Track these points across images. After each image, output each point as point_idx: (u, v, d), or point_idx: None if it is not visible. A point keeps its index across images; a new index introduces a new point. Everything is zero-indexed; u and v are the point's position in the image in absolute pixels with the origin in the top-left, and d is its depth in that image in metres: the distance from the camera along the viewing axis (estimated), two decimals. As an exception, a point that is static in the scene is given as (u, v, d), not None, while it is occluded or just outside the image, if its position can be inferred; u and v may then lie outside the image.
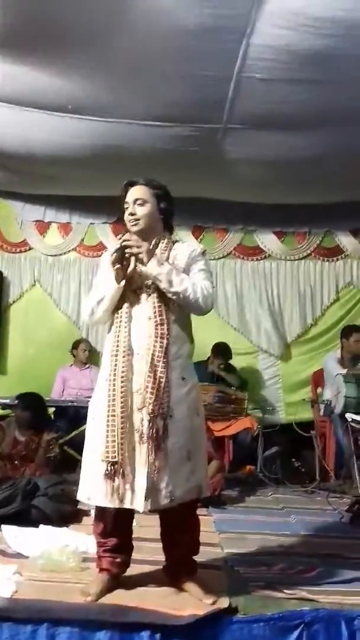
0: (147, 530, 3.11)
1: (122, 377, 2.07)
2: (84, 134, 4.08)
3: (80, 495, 2.18)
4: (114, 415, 2.06)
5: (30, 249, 5.66)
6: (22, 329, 5.56)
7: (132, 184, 2.27)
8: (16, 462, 3.99)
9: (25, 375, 5.24)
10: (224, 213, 5.55)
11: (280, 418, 5.36)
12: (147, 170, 4.72)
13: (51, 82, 3.47)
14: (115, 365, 2.09)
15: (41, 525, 2.86)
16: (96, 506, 2.20)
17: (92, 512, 3.33)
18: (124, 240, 2.14)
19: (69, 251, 5.66)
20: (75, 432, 4.83)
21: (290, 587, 2.19)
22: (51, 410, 4.99)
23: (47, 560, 2.38)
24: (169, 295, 2.14)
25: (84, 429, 5.13)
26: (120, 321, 2.14)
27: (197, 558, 2.30)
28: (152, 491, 2.02)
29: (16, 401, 4.28)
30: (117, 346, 2.11)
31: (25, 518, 2.97)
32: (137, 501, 2.03)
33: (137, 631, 1.90)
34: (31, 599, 2.02)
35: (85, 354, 5.34)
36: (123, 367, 2.08)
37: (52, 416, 4.99)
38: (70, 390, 5.16)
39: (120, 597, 2.05)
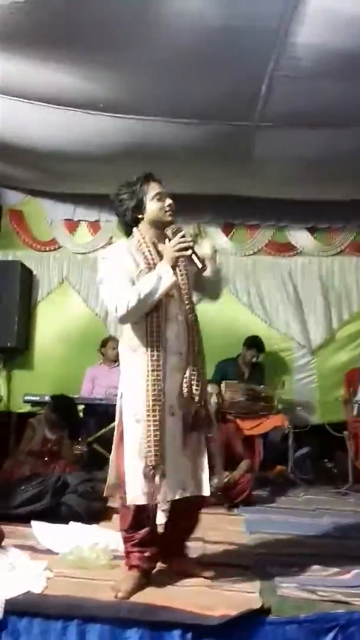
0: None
1: (157, 378, 2.13)
2: (113, 131, 4.08)
3: (141, 498, 2.10)
4: (155, 420, 2.11)
5: (59, 247, 5.69)
6: (50, 327, 5.58)
7: (155, 178, 2.35)
8: (46, 459, 4.02)
9: (52, 372, 5.26)
10: (255, 209, 5.48)
11: (313, 418, 5.25)
12: (177, 168, 4.76)
13: (81, 81, 3.48)
14: (157, 363, 2.14)
15: (71, 522, 2.86)
16: (122, 503, 2.21)
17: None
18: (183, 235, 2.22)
19: (98, 249, 5.67)
20: (103, 430, 4.85)
21: (323, 589, 2.13)
22: (80, 407, 5.01)
23: (77, 557, 2.37)
24: (212, 273, 2.33)
25: (113, 427, 5.15)
26: (159, 318, 2.16)
27: (228, 559, 2.41)
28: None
29: (48, 400, 4.30)
30: (158, 343, 2.14)
31: (55, 515, 2.98)
32: (204, 487, 2.18)
33: (168, 630, 1.88)
34: (62, 595, 2.01)
35: (114, 352, 5.33)
36: (159, 367, 2.14)
37: (82, 414, 5.01)
38: (99, 389, 5.16)
39: (151, 596, 2.02)
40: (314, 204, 5.36)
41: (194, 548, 2.66)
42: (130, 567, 2.19)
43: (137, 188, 2.28)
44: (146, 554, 2.18)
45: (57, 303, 5.65)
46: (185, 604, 1.94)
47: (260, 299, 5.59)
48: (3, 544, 2.43)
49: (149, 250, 2.22)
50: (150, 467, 2.08)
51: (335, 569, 2.39)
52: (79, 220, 5.67)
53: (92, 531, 2.77)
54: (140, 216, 2.29)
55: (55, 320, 5.59)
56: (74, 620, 1.91)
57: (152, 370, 2.13)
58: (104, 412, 4.97)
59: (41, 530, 2.75)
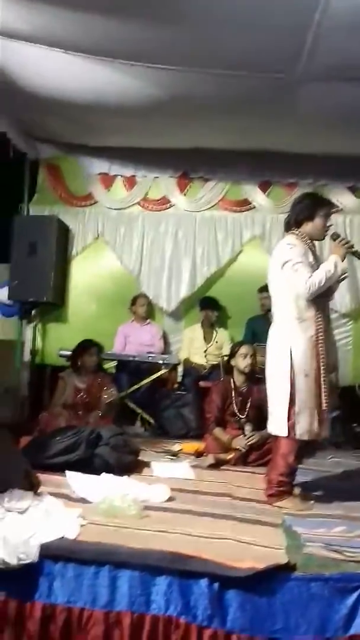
0: (206, 484, 3.17)
1: (322, 343, 2.77)
2: (151, 83, 3.98)
3: (306, 434, 2.76)
4: (324, 375, 2.76)
5: (95, 202, 5.65)
6: (84, 282, 5.61)
7: (331, 203, 3.13)
8: (80, 412, 4.13)
9: (85, 327, 5.25)
10: (294, 167, 5.32)
11: (345, 380, 5.13)
12: (215, 122, 4.62)
13: (118, 31, 3.38)
14: (322, 332, 2.77)
15: (103, 473, 2.94)
16: (297, 442, 2.79)
17: (153, 464, 3.43)
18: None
19: (133, 205, 5.62)
20: (135, 387, 4.93)
21: (349, 550, 2.16)
22: (113, 364, 5.10)
23: (109, 506, 2.45)
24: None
25: (145, 383, 5.22)
26: (327, 297, 2.90)
27: (256, 516, 2.51)
28: None
29: (87, 348, 4.36)
30: (322, 317, 2.80)
31: (88, 465, 3.07)
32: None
33: (196, 579, 1.95)
34: (94, 542, 2.09)
35: (144, 309, 5.36)
36: (322, 335, 2.77)
37: (115, 370, 5.09)
38: (131, 346, 5.23)
39: (180, 546, 2.08)
40: (354, 161, 5.15)
41: (221, 504, 2.74)
42: (286, 493, 2.81)
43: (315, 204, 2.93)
44: (293, 479, 2.87)
45: (91, 259, 5.66)
46: (213, 555, 2.00)
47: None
48: (39, 491, 2.52)
49: (313, 249, 2.92)
50: (325, 411, 2.75)
51: (362, 531, 2.41)
52: (115, 175, 5.61)
53: (123, 482, 2.84)
54: (306, 223, 2.90)
55: (89, 276, 5.62)
56: (105, 566, 1.99)
57: (319, 336, 2.76)
58: (135, 369, 5.05)
59: (75, 480, 2.84)
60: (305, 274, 2.76)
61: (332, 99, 3.99)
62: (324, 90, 3.90)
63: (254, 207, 5.52)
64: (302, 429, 2.75)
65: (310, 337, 2.76)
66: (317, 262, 2.88)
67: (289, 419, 2.75)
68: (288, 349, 2.78)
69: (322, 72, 3.66)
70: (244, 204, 5.53)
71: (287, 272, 2.81)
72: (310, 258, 2.86)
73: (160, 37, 3.43)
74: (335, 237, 2.91)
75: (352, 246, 2.89)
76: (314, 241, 2.96)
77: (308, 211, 2.90)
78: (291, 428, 2.75)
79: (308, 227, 2.90)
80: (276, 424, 2.82)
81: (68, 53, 3.66)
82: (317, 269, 2.81)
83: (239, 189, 5.51)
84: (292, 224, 2.95)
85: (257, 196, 5.49)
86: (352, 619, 1.94)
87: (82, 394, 4.20)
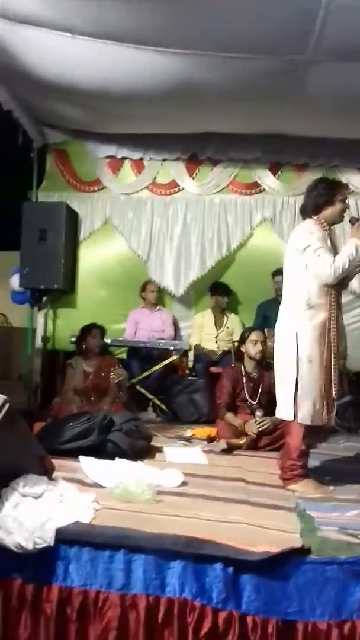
0: (219, 469, 3.18)
1: (333, 330, 2.74)
2: (160, 68, 3.92)
3: (308, 419, 2.76)
4: (335, 363, 2.75)
5: (103, 187, 5.60)
6: (92, 267, 5.58)
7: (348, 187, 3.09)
8: (92, 398, 4.14)
9: (95, 313, 5.21)
10: (304, 149, 5.24)
11: (357, 365, 5.07)
12: (225, 106, 4.56)
13: (129, 13, 3.33)
14: (334, 318, 2.76)
15: (116, 458, 2.95)
16: (305, 427, 2.79)
17: (166, 449, 3.43)
18: None
19: (142, 189, 5.57)
20: (147, 373, 4.94)
21: (364, 534, 2.16)
22: (124, 350, 5.10)
23: (123, 491, 2.46)
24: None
25: (156, 369, 5.24)
26: (344, 282, 2.86)
27: (269, 500, 2.50)
28: None
29: (88, 330, 4.41)
30: (335, 304, 2.78)
31: (101, 451, 3.09)
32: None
33: (211, 563, 1.95)
34: (110, 526, 2.10)
35: (154, 295, 5.35)
36: (334, 322, 2.76)
37: (126, 356, 5.10)
38: (142, 332, 5.22)
39: (195, 530, 2.08)
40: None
41: (235, 488, 2.75)
42: (299, 476, 2.82)
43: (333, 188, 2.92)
44: (306, 463, 2.87)
45: (99, 244, 5.61)
46: (227, 539, 2.01)
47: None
48: (53, 476, 2.54)
49: (329, 234, 2.89)
50: (333, 398, 2.76)
51: (376, 515, 2.41)
52: (123, 158, 5.53)
53: (137, 467, 2.85)
54: (325, 208, 2.89)
55: (98, 261, 5.58)
56: (120, 550, 2.00)
57: (330, 324, 2.75)
58: (146, 355, 5.06)
59: (88, 465, 2.86)
60: (329, 259, 2.74)
61: (342, 80, 3.92)
62: (334, 71, 3.83)
63: (264, 190, 5.45)
64: (305, 414, 2.76)
65: (317, 324, 2.75)
66: (334, 248, 2.85)
67: (294, 403, 2.77)
68: (294, 335, 2.78)
69: (332, 53, 3.60)
70: (254, 187, 5.46)
71: (308, 257, 2.79)
72: (329, 243, 2.83)
73: (168, 19, 3.39)
74: (354, 221, 2.90)
75: None
76: (332, 225, 2.95)
77: (327, 196, 2.89)
78: (295, 412, 2.78)
79: (328, 211, 2.89)
80: (283, 408, 2.85)
81: (76, 37, 3.62)
82: (335, 254, 2.80)
83: (249, 171, 5.45)
84: (310, 209, 2.92)
85: (267, 179, 5.42)
86: (367, 602, 1.94)
87: (90, 377, 4.23)
